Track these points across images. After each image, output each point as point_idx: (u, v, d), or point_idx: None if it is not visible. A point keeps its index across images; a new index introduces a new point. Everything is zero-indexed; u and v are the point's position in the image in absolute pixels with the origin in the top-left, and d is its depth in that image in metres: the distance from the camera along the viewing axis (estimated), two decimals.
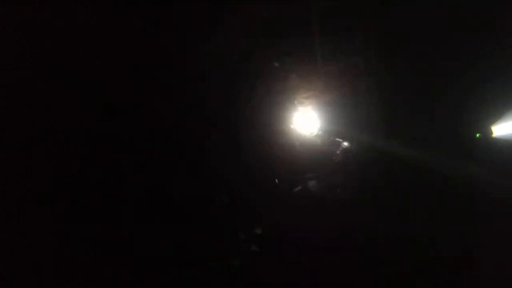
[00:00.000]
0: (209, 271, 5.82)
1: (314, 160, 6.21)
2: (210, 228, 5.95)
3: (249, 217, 6.25)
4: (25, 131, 5.12)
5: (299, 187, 6.21)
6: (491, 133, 5.81)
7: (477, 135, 5.80)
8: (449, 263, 5.80)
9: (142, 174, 5.69)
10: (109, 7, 5.27)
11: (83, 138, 5.45)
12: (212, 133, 5.87)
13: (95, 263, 5.18)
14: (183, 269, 5.65)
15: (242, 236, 6.22)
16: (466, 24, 5.49)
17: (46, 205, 5.12)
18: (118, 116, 5.58)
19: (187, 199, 5.87)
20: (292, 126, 6.23)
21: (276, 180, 6.11)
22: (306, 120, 6.21)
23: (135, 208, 5.58)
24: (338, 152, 6.16)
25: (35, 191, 5.09)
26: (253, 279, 5.97)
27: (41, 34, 5.15)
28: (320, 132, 6.20)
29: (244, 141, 5.97)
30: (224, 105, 5.79)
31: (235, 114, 5.88)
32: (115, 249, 5.35)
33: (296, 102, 6.14)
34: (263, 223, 6.27)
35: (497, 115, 5.81)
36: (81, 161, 5.43)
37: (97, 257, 5.21)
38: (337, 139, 6.17)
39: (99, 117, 5.49)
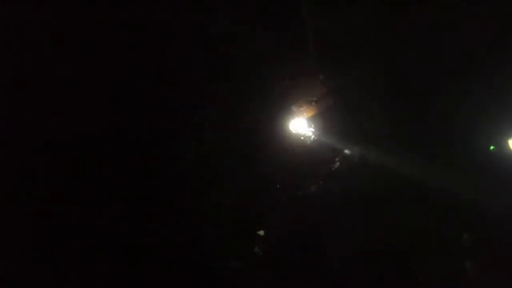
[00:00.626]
0: (211, 271, 5.87)
1: (314, 166, 6.13)
2: (212, 229, 5.98)
3: (250, 219, 6.25)
4: (24, 131, 5.14)
5: (299, 192, 6.16)
6: (507, 146, 5.52)
7: (491, 147, 5.52)
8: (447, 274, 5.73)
9: (144, 175, 5.70)
10: (109, 7, 5.14)
11: (84, 138, 5.44)
12: (215, 137, 5.80)
13: (97, 263, 5.26)
14: (185, 270, 5.72)
15: (244, 237, 6.24)
16: (481, 33, 5.15)
17: (45, 205, 5.19)
18: (119, 116, 5.54)
19: (189, 200, 5.89)
20: (293, 133, 6.11)
21: (278, 185, 6.06)
22: (306, 128, 6.08)
23: (137, 209, 5.61)
24: (338, 159, 6.05)
25: (34, 191, 5.16)
26: (253, 280, 6.03)
27: (41, 34, 5.08)
28: (321, 139, 6.08)
29: (247, 145, 5.91)
30: (227, 110, 5.69)
31: (237, 119, 5.79)
32: (117, 249, 5.41)
33: (297, 110, 6.00)
34: (264, 225, 6.27)
35: None
36: (82, 162, 5.46)
37: (98, 258, 5.29)
38: (337, 146, 6.04)
39: (99, 118, 5.47)
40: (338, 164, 6.03)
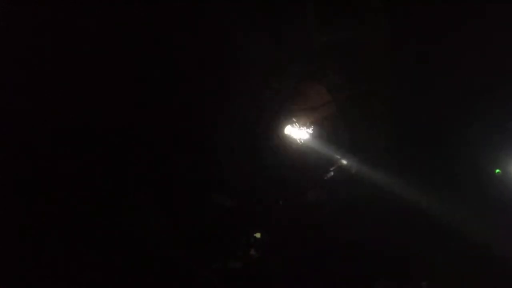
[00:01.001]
0: (211, 271, 5.98)
1: (313, 173, 6.09)
2: (212, 231, 6.05)
3: (249, 222, 6.30)
4: (25, 131, 5.15)
5: (297, 198, 6.17)
6: None
7: (497, 170, 5.35)
8: None
9: (143, 177, 5.72)
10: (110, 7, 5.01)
11: (85, 138, 5.45)
12: (214, 140, 5.76)
13: (97, 263, 5.36)
14: (186, 269, 5.83)
15: (243, 239, 6.31)
16: (490, 55, 4.88)
17: (47, 205, 5.27)
18: (120, 116, 5.51)
19: (191, 202, 5.94)
20: (291, 138, 6.02)
21: (280, 202, 6.06)
22: (305, 133, 5.98)
23: (138, 209, 5.67)
24: (334, 168, 5.97)
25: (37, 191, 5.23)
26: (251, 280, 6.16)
27: (43, 34, 5.00)
28: (318, 146, 5.99)
29: (246, 148, 5.88)
30: (226, 112, 5.62)
31: (237, 122, 5.73)
32: (118, 250, 5.49)
33: (297, 115, 5.88)
34: (262, 228, 6.32)
35: None
36: (83, 161, 5.49)
37: (99, 258, 5.38)
38: (333, 155, 5.95)
39: (100, 118, 5.45)
40: (332, 173, 5.96)
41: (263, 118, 5.85)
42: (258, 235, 6.34)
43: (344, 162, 5.95)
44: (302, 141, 5.95)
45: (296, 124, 5.92)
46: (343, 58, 5.34)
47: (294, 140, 5.98)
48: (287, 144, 6.01)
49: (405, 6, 4.78)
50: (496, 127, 5.17)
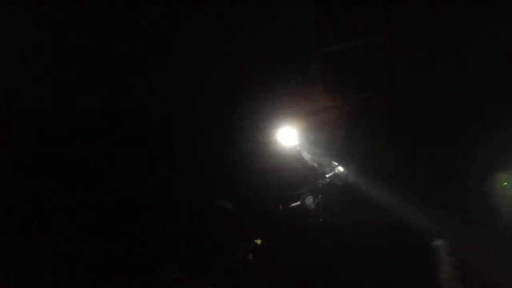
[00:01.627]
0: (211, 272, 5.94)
1: (311, 179, 5.97)
2: (212, 233, 6.01)
3: (249, 226, 6.24)
4: (25, 130, 5.15)
5: (295, 203, 6.08)
6: None
7: (504, 183, 5.18)
8: None
9: (146, 178, 5.69)
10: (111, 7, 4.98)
11: (84, 138, 5.44)
12: (213, 141, 5.71)
13: (97, 263, 5.34)
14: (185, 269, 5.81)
15: (242, 243, 6.26)
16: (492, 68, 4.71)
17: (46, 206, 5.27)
18: (120, 117, 5.50)
19: (191, 204, 5.91)
20: (293, 144, 5.92)
21: (280, 206, 5.97)
22: (308, 141, 5.88)
23: (138, 211, 5.66)
24: (335, 173, 5.84)
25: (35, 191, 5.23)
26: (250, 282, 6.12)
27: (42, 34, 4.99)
28: (311, 153, 5.88)
29: (246, 155, 5.81)
30: (224, 113, 5.56)
31: (239, 127, 5.66)
32: (118, 251, 5.48)
33: (294, 118, 5.77)
34: (261, 233, 6.26)
35: None
36: (82, 162, 5.48)
37: (99, 258, 5.37)
38: (328, 163, 5.82)
39: (100, 118, 5.43)
40: (329, 180, 5.83)
41: (261, 122, 5.77)
42: (258, 241, 6.28)
43: (342, 168, 5.81)
44: (302, 146, 5.85)
45: (296, 129, 5.81)
46: (344, 62, 5.22)
47: (294, 144, 5.88)
48: (286, 149, 5.92)
49: (407, 9, 4.63)
50: (505, 137, 4.99)
